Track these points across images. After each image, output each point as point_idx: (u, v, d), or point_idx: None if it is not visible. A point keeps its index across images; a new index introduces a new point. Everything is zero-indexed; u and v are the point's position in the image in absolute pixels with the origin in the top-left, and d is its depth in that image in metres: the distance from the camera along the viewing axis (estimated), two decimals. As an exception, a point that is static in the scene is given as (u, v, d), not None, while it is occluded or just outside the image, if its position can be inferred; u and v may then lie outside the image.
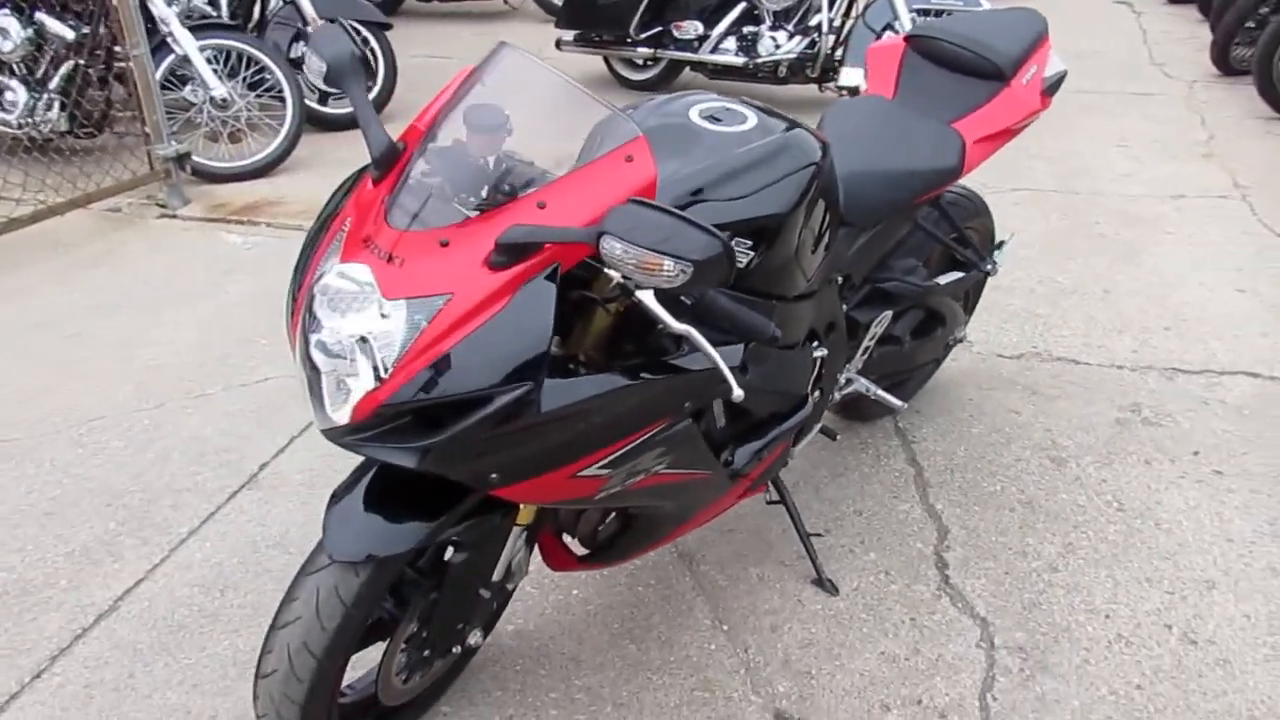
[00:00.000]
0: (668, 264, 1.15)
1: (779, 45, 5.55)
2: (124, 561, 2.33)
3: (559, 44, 6.31)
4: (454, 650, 1.74)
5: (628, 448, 1.50)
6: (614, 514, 1.94)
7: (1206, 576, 2.21)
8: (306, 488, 2.58)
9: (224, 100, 4.67)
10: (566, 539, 1.94)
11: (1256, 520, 2.38)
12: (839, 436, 2.51)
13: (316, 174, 4.85)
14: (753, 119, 1.72)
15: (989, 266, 2.38)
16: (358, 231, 1.41)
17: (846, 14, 5.52)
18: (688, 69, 6.13)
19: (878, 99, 2.30)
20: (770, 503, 2.26)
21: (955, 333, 2.59)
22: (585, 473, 1.47)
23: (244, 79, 4.84)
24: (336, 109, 5.51)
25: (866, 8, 5.28)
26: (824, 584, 2.21)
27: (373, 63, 5.54)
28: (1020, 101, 2.21)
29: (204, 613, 2.18)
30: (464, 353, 1.30)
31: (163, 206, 4.44)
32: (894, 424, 2.78)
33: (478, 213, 1.36)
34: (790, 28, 5.56)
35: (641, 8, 5.78)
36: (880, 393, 2.34)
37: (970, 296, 2.74)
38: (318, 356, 1.38)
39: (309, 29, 5.27)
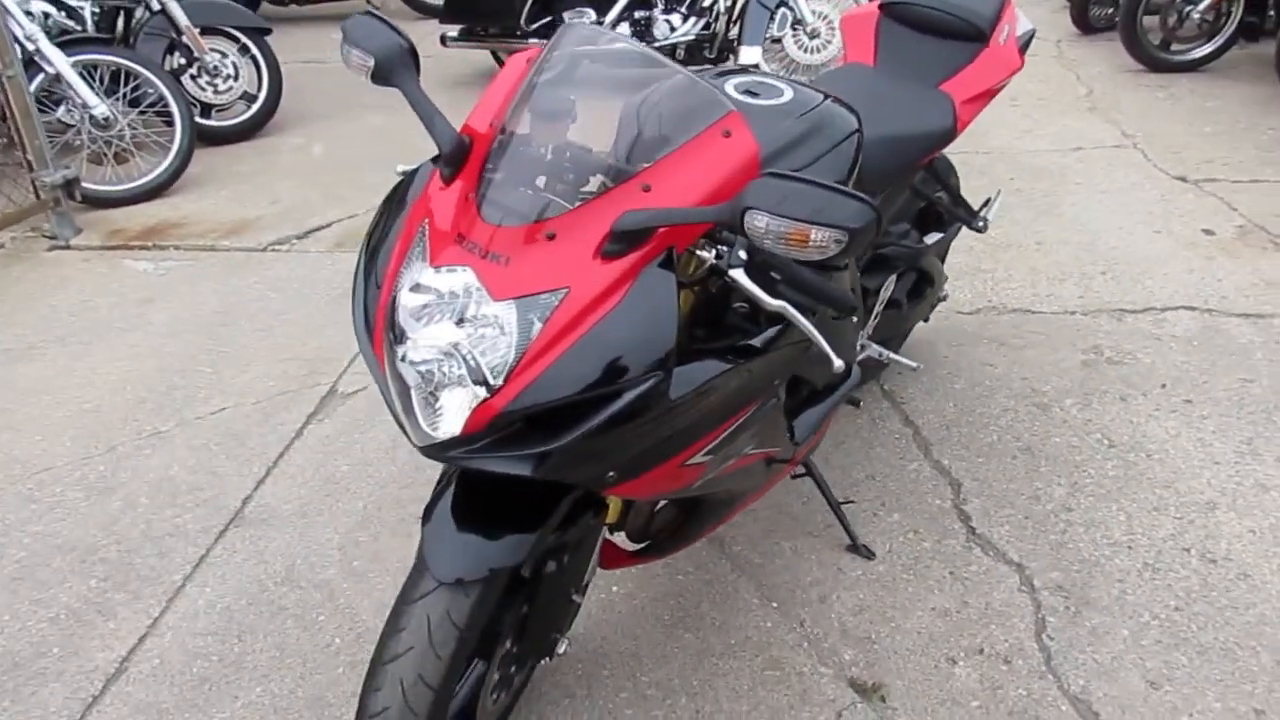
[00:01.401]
0: (818, 234, 1.12)
1: (674, 28, 5.56)
2: (118, 619, 2.15)
3: (444, 40, 6.13)
4: (544, 661, 1.67)
5: (729, 430, 1.47)
6: (665, 505, 1.90)
7: (1206, 499, 2.34)
8: (300, 517, 2.43)
9: (106, 119, 4.36)
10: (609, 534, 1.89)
11: (1234, 441, 2.53)
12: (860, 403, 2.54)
13: (216, 191, 4.57)
14: (788, 91, 1.71)
15: (980, 224, 2.45)
16: (445, 232, 1.33)
17: (737, -7, 5.57)
18: (581, 58, 6.06)
19: (861, 67, 2.32)
20: (795, 476, 2.26)
21: (940, 291, 2.65)
22: (692, 461, 1.44)
23: (123, 95, 4.51)
24: (222, 121, 5.21)
25: (759, -14, 5.34)
26: (859, 549, 2.23)
27: (257, 72, 5.26)
28: (1001, 60, 2.27)
29: (225, 662, 2.03)
30: (588, 349, 1.24)
31: (52, 238, 4.10)
32: (880, 387, 2.83)
33: (576, 203, 1.30)
34: (683, 10, 5.58)
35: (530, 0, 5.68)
36: (893, 355, 2.38)
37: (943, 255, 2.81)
38: (409, 371, 1.29)
39: (183, 38, 4.97)
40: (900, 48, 2.32)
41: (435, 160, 1.51)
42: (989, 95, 2.29)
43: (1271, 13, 5.43)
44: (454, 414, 1.28)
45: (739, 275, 1.33)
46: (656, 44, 5.57)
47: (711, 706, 1.88)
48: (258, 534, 2.39)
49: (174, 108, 4.54)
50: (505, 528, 1.43)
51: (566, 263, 1.26)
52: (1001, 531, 2.28)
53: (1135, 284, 3.34)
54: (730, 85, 1.69)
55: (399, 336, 1.31)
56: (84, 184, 4.23)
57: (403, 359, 1.30)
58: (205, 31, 5.05)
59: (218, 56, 5.12)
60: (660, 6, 5.61)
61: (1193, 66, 5.64)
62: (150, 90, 4.54)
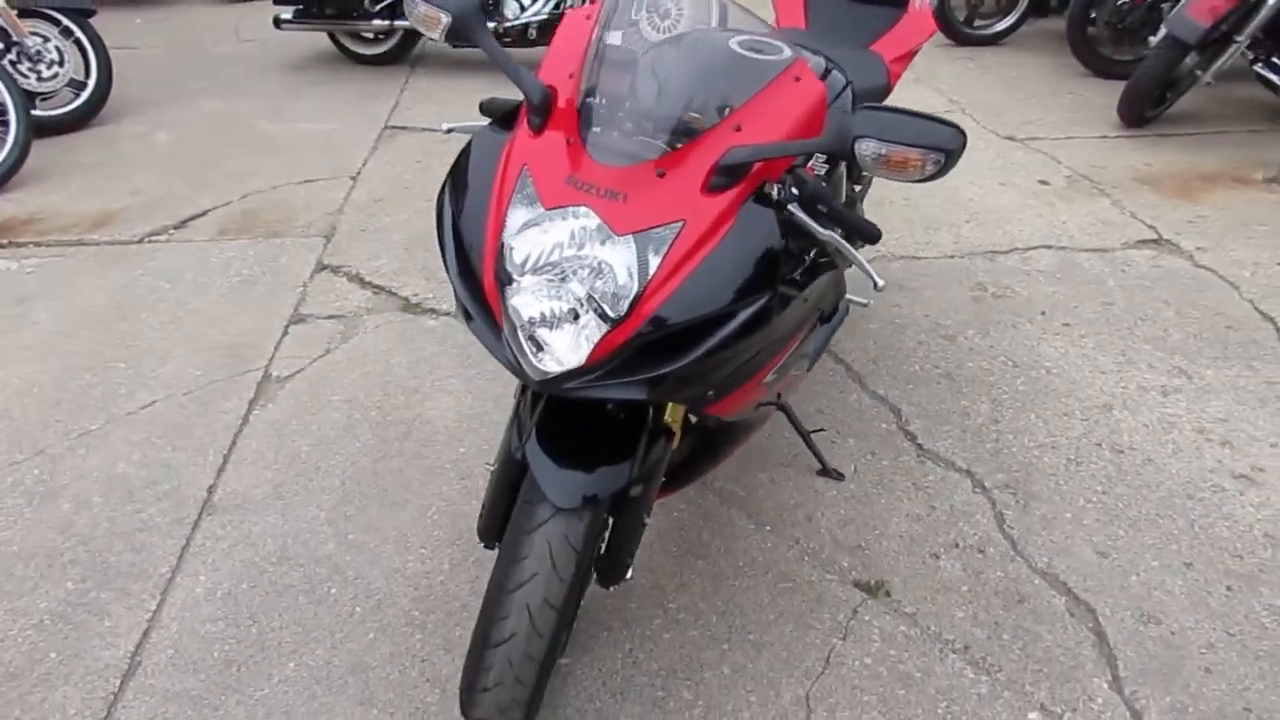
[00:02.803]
0: (919, 156, 1.30)
1: (525, 7, 5.61)
2: (113, 617, 2.06)
3: (277, 21, 5.89)
4: (614, 587, 1.77)
5: (791, 350, 1.62)
6: (680, 443, 2.03)
7: (1102, 402, 2.71)
8: (277, 499, 2.39)
9: (-71, 110, 3.96)
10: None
11: (1112, 354, 2.93)
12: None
13: (64, 184, 4.24)
14: (787, 50, 1.86)
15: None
16: (552, 177, 1.40)
17: (580, -28, 5.68)
18: (426, 39, 6.00)
19: (797, 30, 2.52)
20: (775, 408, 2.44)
21: (861, 239, 2.90)
22: (766, 379, 1.58)
23: (-56, 84, 4.11)
24: (49, 110, 4.81)
25: (606, -34, 5.47)
26: (829, 472, 2.44)
27: (84, 57, 4.89)
28: (919, 23, 2.53)
29: (246, 643, 2.00)
30: (706, 275, 1.36)
31: (-119, 241, 3.70)
32: (806, 332, 3.06)
33: (677, 143, 1.41)
34: (533, -10, 5.64)
35: (376, -21, 5.57)
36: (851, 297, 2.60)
37: (853, 208, 3.06)
38: (526, 309, 1.36)
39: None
40: (829, 13, 2.53)
41: (498, 122, 1.57)
42: (911, 55, 2.54)
43: (1056, -9, 6.13)
44: (572, 347, 1.36)
45: (795, 209, 1.48)
46: (507, 24, 5.60)
47: (741, 620, 2.04)
48: (236, 519, 2.33)
49: (5, 96, 4.17)
50: (602, 456, 1.52)
51: (678, 197, 1.37)
52: (945, 445, 2.55)
53: (997, 229, 3.75)
54: (734, 44, 1.83)
55: (510, 278, 1.38)
56: (-88, 181, 3.85)
57: (518, 299, 1.37)
58: (23, 14, 4.66)
59: (39, 40, 4.74)
60: (516, -14, 5.64)
61: (994, 40, 6.26)
62: (-24, 78, 4.16)
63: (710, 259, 1.36)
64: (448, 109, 5.17)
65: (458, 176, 1.53)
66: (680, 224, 1.36)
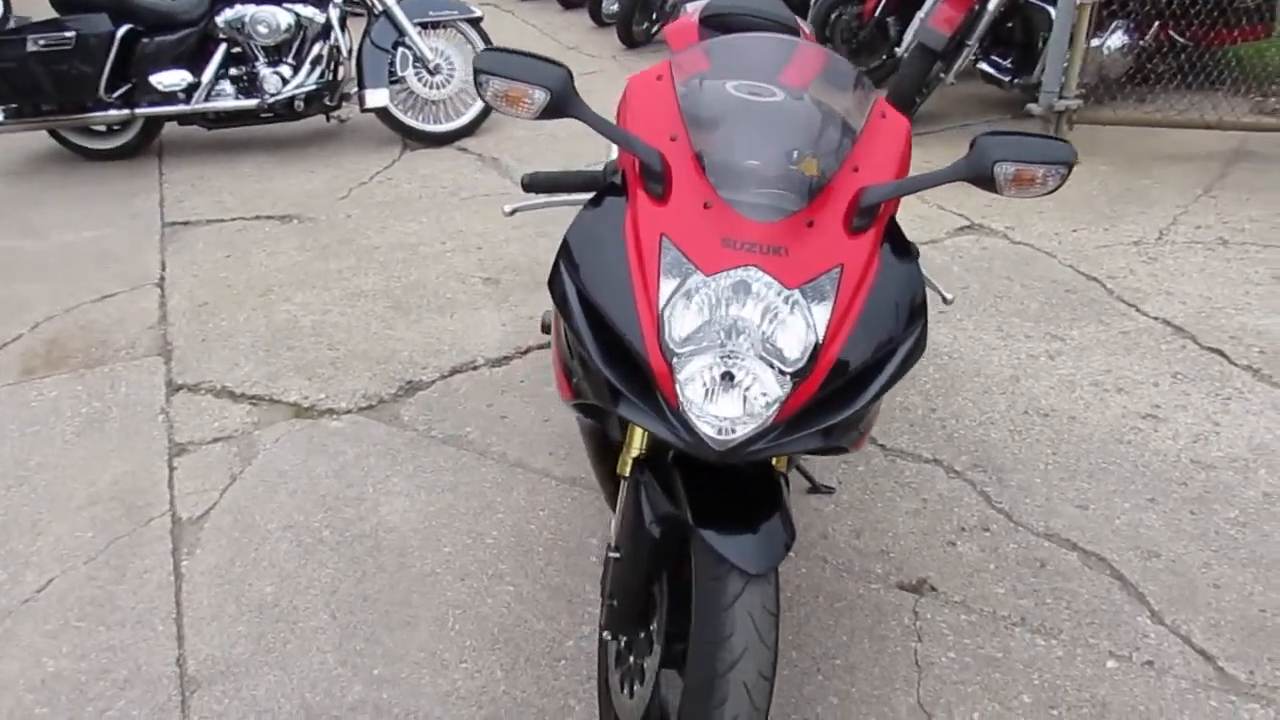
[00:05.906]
0: (1044, 172, 1.39)
1: (287, 80, 5.27)
2: (142, 839, 1.72)
3: (-13, 127, 5.15)
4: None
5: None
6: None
7: (1007, 375, 2.99)
8: (266, 653, 2.11)
9: None
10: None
11: (991, 331, 3.24)
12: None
13: None
14: (779, 92, 1.92)
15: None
16: (702, 241, 1.35)
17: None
18: (174, 123, 5.48)
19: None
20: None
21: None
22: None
23: None
24: None
25: (368, 29, 5.29)
26: (820, 489, 2.51)
27: None
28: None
29: (322, 821, 1.75)
30: (873, 313, 1.38)
31: None
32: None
33: (812, 190, 1.41)
34: (291, 61, 5.32)
35: (109, 66, 5.02)
36: None
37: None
38: (705, 377, 1.32)
39: None
40: (731, 49, 2.60)
41: (597, 199, 1.50)
42: (811, 83, 2.67)
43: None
44: (755, 409, 1.33)
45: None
46: (271, 98, 5.25)
47: (820, 649, 2.06)
48: (231, 688, 2.03)
49: None
50: (758, 516, 1.49)
51: (831, 243, 1.38)
52: (905, 441, 2.71)
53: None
54: (730, 86, 1.85)
55: (675, 351, 1.33)
56: None
57: (690, 369, 1.32)
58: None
59: None
60: (262, 60, 5.28)
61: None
62: None
63: (873, 298, 1.38)
64: (231, 198, 4.76)
65: (571, 259, 1.44)
66: (839, 269, 1.37)
